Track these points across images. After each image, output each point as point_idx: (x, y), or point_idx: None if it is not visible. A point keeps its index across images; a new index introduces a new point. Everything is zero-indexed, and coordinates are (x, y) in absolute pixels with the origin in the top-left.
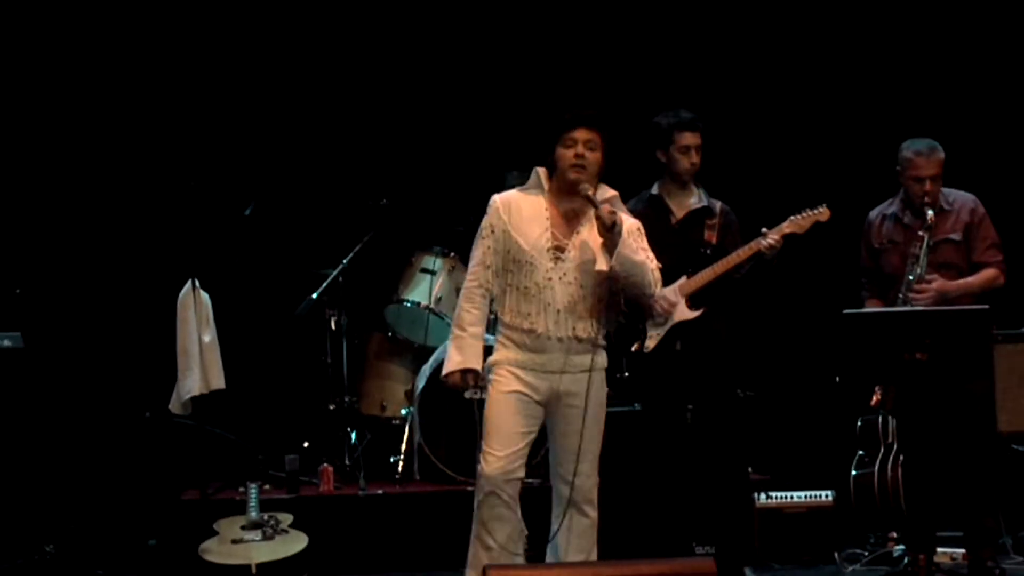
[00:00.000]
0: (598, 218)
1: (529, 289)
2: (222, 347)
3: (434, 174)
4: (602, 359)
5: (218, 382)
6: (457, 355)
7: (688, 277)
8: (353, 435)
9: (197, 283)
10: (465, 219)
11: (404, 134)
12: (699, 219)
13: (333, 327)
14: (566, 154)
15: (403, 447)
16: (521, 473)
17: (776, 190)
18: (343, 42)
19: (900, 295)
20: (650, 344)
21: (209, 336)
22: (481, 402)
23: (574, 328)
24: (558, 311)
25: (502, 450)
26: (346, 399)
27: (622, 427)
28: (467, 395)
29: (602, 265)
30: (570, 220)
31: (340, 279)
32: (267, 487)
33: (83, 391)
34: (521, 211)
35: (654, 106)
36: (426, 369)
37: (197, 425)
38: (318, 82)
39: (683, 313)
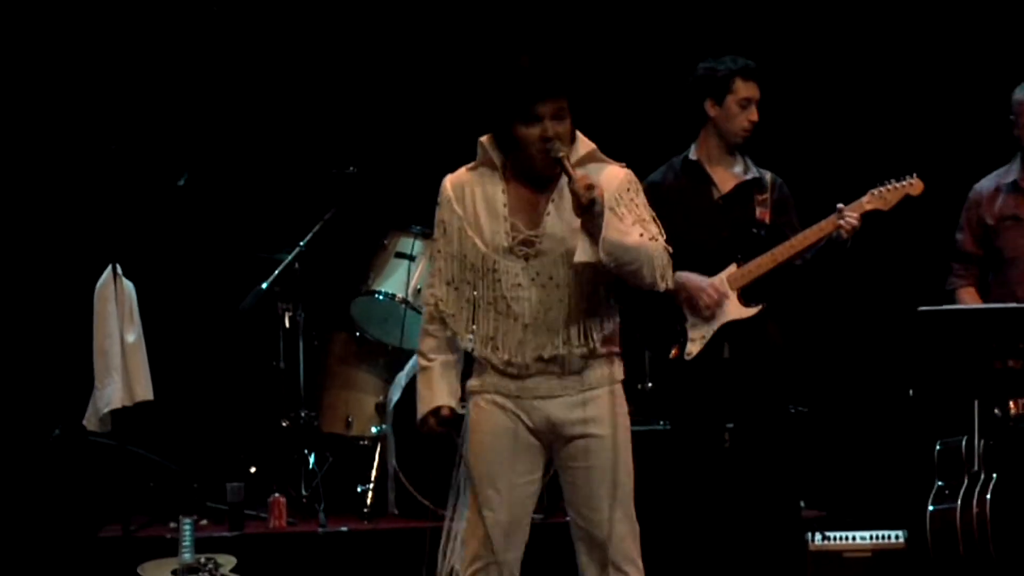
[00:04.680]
0: (573, 193)
1: (493, 304)
2: (150, 349)
3: (413, 134)
4: (615, 370)
5: (144, 392)
6: (426, 392)
7: (739, 265)
8: (311, 458)
9: (119, 270)
10: None
11: (376, 84)
12: (747, 193)
13: (287, 325)
14: (530, 134)
15: (373, 473)
16: (525, 537)
17: (841, 159)
18: None
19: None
20: (693, 349)
21: (133, 335)
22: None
23: (560, 341)
24: (533, 325)
25: (499, 498)
26: (303, 414)
27: (645, 451)
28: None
29: (581, 255)
30: (534, 204)
31: (296, 266)
32: (204, 522)
33: None
34: (475, 199)
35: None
36: (402, 378)
37: (118, 445)
38: (267, 21)
39: (736, 311)
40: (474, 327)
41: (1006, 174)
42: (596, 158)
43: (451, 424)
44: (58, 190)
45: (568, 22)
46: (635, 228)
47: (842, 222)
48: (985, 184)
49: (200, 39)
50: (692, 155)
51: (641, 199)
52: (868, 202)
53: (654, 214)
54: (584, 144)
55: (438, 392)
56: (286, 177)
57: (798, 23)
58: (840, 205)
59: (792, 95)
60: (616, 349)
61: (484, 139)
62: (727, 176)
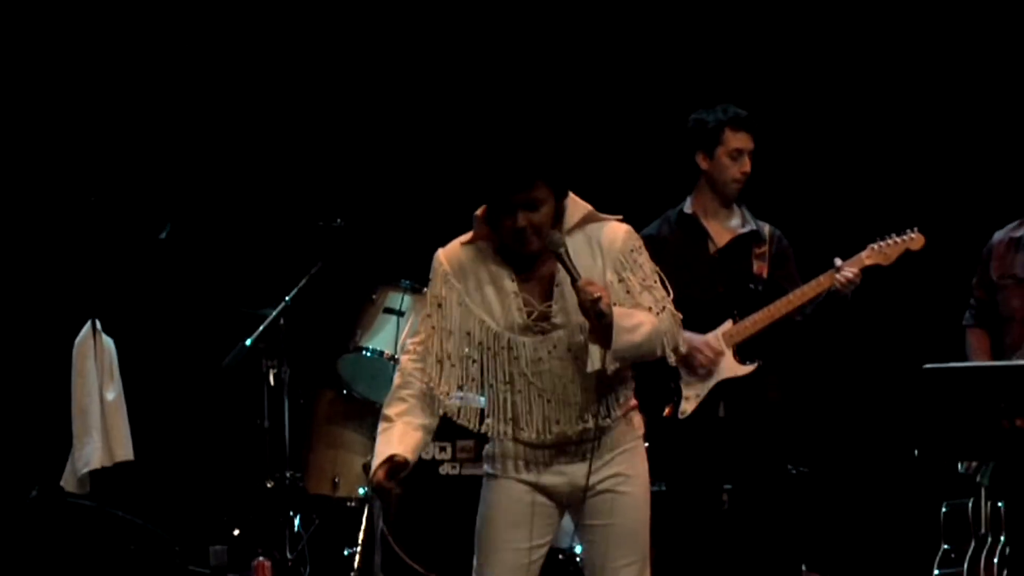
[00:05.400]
0: (580, 304)
1: (514, 383)
2: (130, 407)
3: (402, 186)
4: (635, 427)
5: (124, 452)
6: (382, 446)
7: (735, 321)
8: (297, 520)
9: (99, 325)
10: (442, 245)
11: (364, 135)
12: (745, 246)
13: (272, 382)
14: (503, 223)
15: (360, 536)
16: None
17: (843, 211)
18: (282, 19)
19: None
20: (687, 408)
21: (113, 393)
22: (462, 480)
23: (587, 414)
24: (555, 400)
25: (504, 563)
26: (288, 474)
27: None
28: (442, 471)
29: (593, 366)
30: (542, 273)
31: (281, 321)
32: None
33: None
34: (478, 275)
35: (680, 103)
36: None
37: (97, 507)
38: (252, 71)
39: (731, 368)
40: (488, 405)
41: (1017, 228)
42: (593, 219)
43: (399, 473)
44: (36, 243)
45: (569, 64)
46: (641, 297)
47: (839, 277)
48: (1000, 235)
49: (182, 88)
50: (687, 208)
51: (645, 257)
52: (868, 257)
53: (658, 269)
54: (579, 208)
55: (397, 444)
56: (271, 230)
57: (800, 72)
58: (838, 260)
59: (793, 145)
60: (633, 402)
61: (479, 213)
62: (723, 229)
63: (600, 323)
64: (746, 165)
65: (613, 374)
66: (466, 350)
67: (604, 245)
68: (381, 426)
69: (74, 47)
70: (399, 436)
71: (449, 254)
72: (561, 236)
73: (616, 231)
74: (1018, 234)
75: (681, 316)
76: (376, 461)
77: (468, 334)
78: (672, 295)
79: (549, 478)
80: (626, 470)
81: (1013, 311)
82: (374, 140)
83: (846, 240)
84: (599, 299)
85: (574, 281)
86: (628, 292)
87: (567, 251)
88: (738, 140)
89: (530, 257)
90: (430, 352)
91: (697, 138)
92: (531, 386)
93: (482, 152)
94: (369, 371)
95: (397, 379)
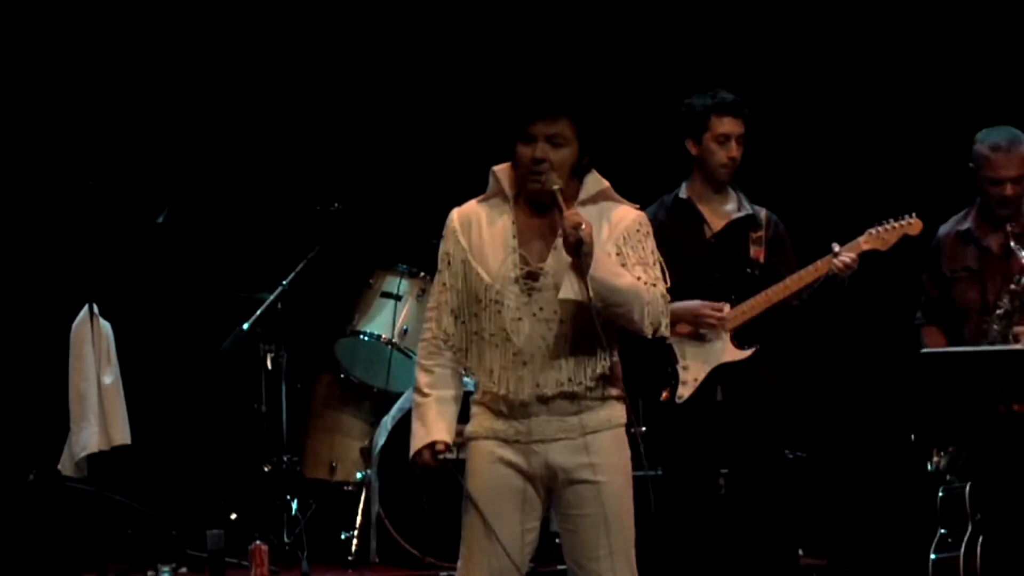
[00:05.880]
0: (563, 230)
1: (495, 336)
2: (127, 391)
3: (400, 170)
4: (616, 413)
5: (122, 436)
6: (420, 428)
7: (732, 306)
8: (294, 504)
9: (96, 309)
10: (439, 229)
11: (361, 119)
12: (741, 231)
13: (269, 367)
14: (522, 154)
15: (358, 520)
16: None
17: (840, 196)
18: (277, 2)
19: (991, 330)
20: (684, 392)
21: (111, 377)
22: (458, 464)
23: (559, 380)
24: (535, 361)
25: (493, 547)
26: (285, 458)
27: (638, 497)
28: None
29: (567, 292)
30: (546, 234)
31: (278, 305)
32: (184, 571)
33: None
34: (482, 230)
35: (681, 88)
36: (387, 421)
37: (95, 491)
38: (249, 56)
39: (729, 353)
40: (476, 358)
41: (963, 220)
42: (608, 196)
43: (445, 460)
44: (33, 227)
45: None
46: (634, 270)
47: (837, 262)
48: (946, 228)
49: (179, 72)
50: (683, 193)
51: (651, 244)
52: (866, 242)
53: (661, 260)
54: (596, 181)
55: (434, 427)
56: (268, 214)
57: (798, 58)
58: (835, 245)
59: (791, 130)
60: (617, 392)
61: (497, 168)
62: (719, 214)
63: (580, 250)
64: (733, 150)
65: (595, 342)
66: (470, 306)
67: (613, 221)
68: (415, 399)
69: (71, 32)
70: (435, 417)
71: (461, 212)
72: (558, 177)
73: (628, 212)
74: (964, 227)
75: (670, 300)
76: (418, 442)
77: (469, 288)
78: (669, 284)
79: (527, 458)
80: (603, 459)
81: (969, 303)
82: (371, 124)
83: (844, 225)
84: (580, 225)
85: (560, 211)
86: (623, 265)
87: (561, 191)
88: (724, 125)
89: (541, 210)
90: (444, 309)
91: (686, 124)
92: (509, 343)
93: (515, 80)
94: (366, 355)
95: (422, 351)
